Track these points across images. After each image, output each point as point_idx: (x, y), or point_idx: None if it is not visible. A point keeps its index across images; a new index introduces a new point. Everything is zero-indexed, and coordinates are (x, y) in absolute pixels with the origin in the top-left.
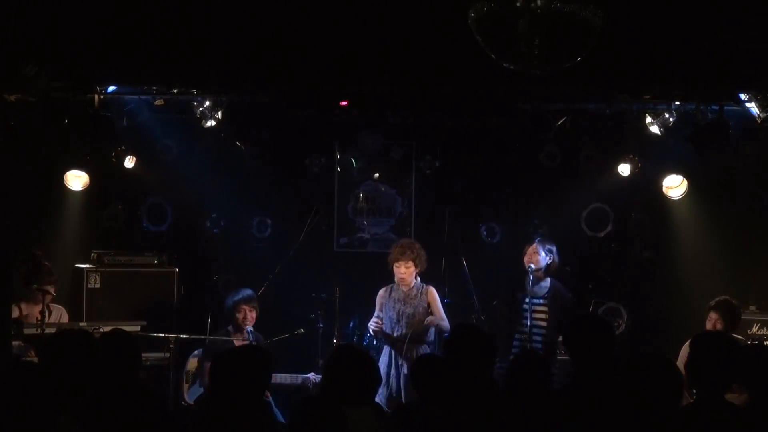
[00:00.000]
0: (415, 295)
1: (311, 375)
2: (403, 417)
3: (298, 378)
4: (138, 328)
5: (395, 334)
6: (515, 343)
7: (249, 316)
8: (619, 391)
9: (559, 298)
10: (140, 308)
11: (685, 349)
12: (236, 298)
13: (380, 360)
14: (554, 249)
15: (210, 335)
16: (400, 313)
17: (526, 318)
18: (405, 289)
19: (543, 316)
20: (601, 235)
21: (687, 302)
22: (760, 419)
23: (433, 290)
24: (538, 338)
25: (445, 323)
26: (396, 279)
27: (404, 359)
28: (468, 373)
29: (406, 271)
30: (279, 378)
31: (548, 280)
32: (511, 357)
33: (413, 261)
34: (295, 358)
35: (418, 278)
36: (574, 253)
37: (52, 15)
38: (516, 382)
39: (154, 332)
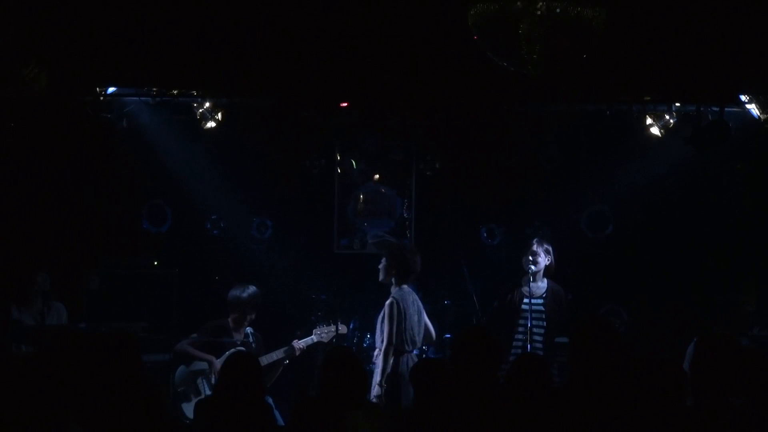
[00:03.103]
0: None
1: (294, 342)
2: (401, 419)
3: (281, 351)
4: (138, 330)
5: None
6: (516, 344)
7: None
8: (621, 391)
9: (557, 299)
10: (140, 309)
11: (690, 349)
12: (254, 294)
13: None
14: (551, 249)
15: (206, 324)
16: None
17: (526, 318)
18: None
19: (542, 316)
20: (602, 236)
21: (687, 303)
22: (761, 421)
23: (390, 303)
24: (539, 338)
25: (378, 341)
26: None
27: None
28: (472, 375)
29: (379, 268)
30: (264, 360)
31: (545, 280)
32: (511, 358)
33: (385, 257)
34: (296, 358)
35: (397, 284)
36: (574, 254)
37: (52, 15)
38: (516, 384)
39: (154, 333)
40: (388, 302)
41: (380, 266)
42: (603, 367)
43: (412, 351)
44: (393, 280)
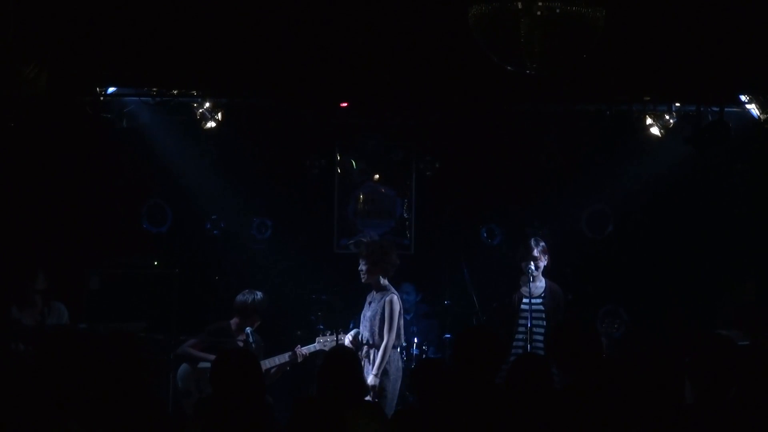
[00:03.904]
0: (378, 300)
1: (297, 348)
2: (402, 419)
3: (285, 356)
4: (138, 330)
5: (362, 337)
6: (517, 344)
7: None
8: (620, 391)
9: (556, 298)
10: (140, 309)
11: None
12: (262, 301)
13: None
14: (546, 246)
15: (208, 326)
16: (364, 316)
17: (526, 319)
18: (375, 293)
19: (542, 315)
20: (602, 236)
21: (687, 303)
22: (760, 420)
23: (391, 300)
24: (540, 338)
25: (384, 342)
26: None
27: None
28: (473, 375)
29: (361, 269)
30: (267, 363)
31: (543, 279)
32: (512, 359)
33: (365, 258)
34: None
35: (383, 281)
36: (574, 254)
37: (52, 15)
38: (517, 384)
39: (154, 333)
40: (389, 298)
41: (362, 268)
42: (585, 369)
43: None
44: (380, 278)
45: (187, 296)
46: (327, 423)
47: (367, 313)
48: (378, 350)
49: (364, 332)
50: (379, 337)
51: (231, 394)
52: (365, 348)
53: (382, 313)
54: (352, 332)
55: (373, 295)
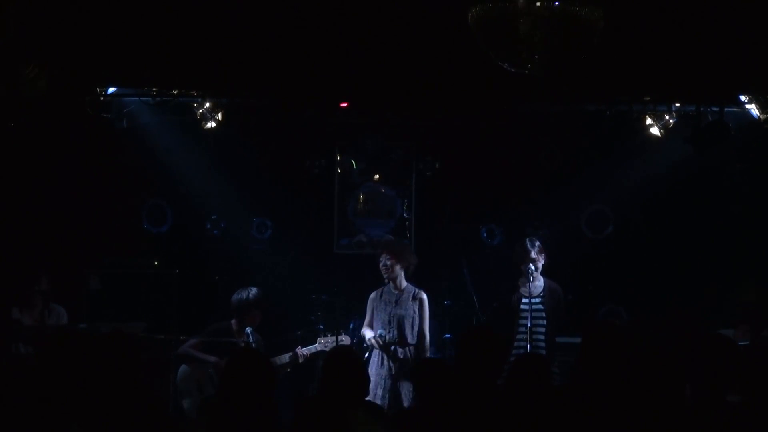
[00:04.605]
0: (407, 298)
1: (298, 349)
2: (402, 419)
3: (285, 357)
4: (138, 330)
5: (387, 337)
6: (519, 344)
7: (259, 318)
8: (620, 390)
9: (555, 296)
10: (140, 309)
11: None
12: (258, 296)
13: (371, 361)
14: (542, 245)
15: (209, 326)
16: (392, 314)
17: (526, 319)
18: (396, 291)
19: (542, 315)
20: (602, 236)
21: (687, 303)
22: (760, 420)
23: (425, 299)
24: (541, 337)
25: (424, 341)
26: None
27: (391, 360)
28: (476, 376)
29: (386, 264)
30: None
31: (542, 278)
32: (512, 359)
33: (392, 254)
34: (298, 364)
35: (404, 281)
36: (574, 254)
37: (53, 16)
38: (517, 384)
39: (154, 333)
40: (422, 297)
41: (386, 263)
42: (612, 371)
43: None
44: (402, 275)
45: (187, 296)
46: (329, 423)
47: (397, 311)
48: (416, 347)
49: (393, 331)
50: (419, 335)
51: (241, 395)
52: (395, 347)
53: (419, 312)
54: (378, 333)
55: (393, 294)
